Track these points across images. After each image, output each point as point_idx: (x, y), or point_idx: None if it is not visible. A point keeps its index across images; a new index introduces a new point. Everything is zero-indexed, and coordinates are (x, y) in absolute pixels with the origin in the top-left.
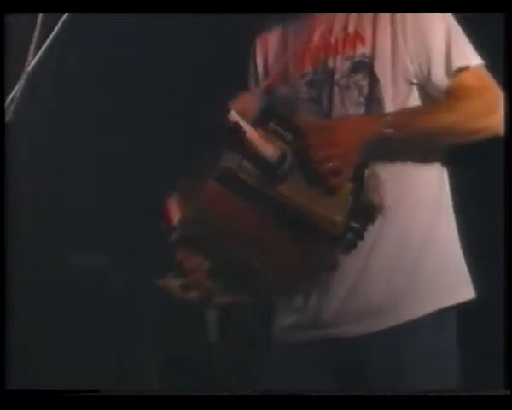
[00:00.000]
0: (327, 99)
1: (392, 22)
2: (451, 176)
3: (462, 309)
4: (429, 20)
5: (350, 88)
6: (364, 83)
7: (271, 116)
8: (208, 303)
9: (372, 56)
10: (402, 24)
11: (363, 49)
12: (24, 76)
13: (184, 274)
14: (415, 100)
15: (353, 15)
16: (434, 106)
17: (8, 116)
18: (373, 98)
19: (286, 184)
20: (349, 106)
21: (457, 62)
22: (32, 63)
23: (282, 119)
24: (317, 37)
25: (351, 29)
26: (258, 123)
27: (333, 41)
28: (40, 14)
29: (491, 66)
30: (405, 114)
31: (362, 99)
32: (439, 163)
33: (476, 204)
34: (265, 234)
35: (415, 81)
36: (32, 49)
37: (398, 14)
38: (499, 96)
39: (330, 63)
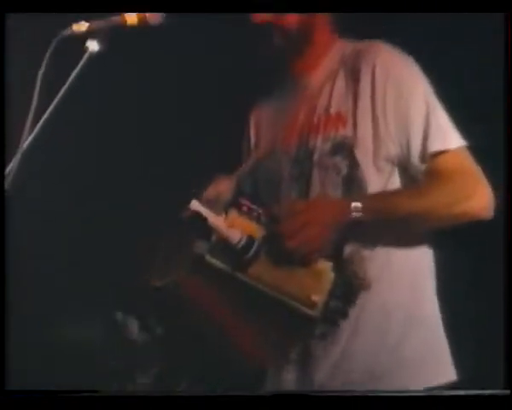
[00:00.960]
0: (306, 178)
1: (373, 104)
2: (435, 254)
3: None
4: (410, 101)
5: (329, 168)
6: (344, 164)
7: (244, 199)
8: None
9: (353, 138)
10: (382, 106)
11: (344, 131)
12: (20, 150)
13: None
14: (396, 182)
15: (336, 97)
16: (411, 190)
17: (8, 184)
18: (353, 180)
19: (257, 266)
20: (327, 186)
21: (435, 146)
22: (30, 138)
23: (255, 202)
24: (302, 115)
25: (333, 110)
26: (231, 206)
27: (315, 121)
28: (36, 90)
29: (491, 66)
30: (380, 197)
31: (340, 180)
32: (420, 242)
33: (459, 283)
34: (237, 319)
35: (396, 164)
36: (28, 123)
37: (379, 95)
38: (478, 179)
39: (312, 143)
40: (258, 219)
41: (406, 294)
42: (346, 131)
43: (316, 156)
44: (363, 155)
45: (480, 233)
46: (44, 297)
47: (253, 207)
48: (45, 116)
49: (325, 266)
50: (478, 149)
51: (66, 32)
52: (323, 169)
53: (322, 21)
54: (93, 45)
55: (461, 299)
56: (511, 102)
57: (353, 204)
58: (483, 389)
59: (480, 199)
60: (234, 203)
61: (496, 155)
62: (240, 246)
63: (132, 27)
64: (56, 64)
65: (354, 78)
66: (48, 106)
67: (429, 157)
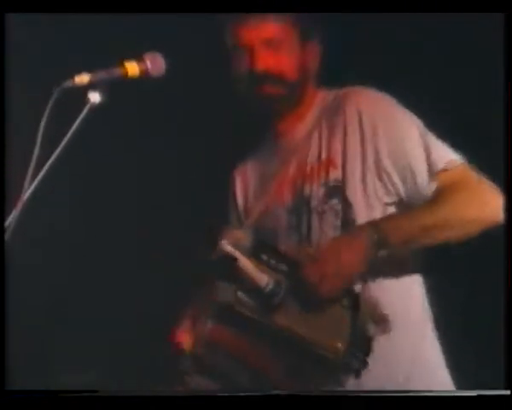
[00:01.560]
0: (306, 225)
1: (363, 145)
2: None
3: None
4: (403, 135)
5: (326, 213)
6: (339, 207)
7: (263, 249)
8: None
9: (343, 180)
10: (373, 146)
11: (335, 174)
12: (21, 201)
13: None
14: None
15: (325, 141)
16: (423, 206)
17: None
18: (348, 221)
19: (283, 313)
20: (327, 230)
21: (441, 164)
22: (30, 189)
23: (273, 251)
24: (293, 168)
25: (324, 156)
26: (250, 256)
27: (308, 169)
28: (38, 141)
29: (490, 67)
30: (394, 218)
31: (338, 222)
32: (420, 277)
33: (457, 317)
34: (265, 364)
35: (391, 198)
36: (29, 174)
37: (369, 136)
38: (487, 188)
39: (307, 191)
40: (276, 268)
41: (413, 333)
42: (337, 174)
43: (313, 203)
44: (354, 195)
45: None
46: (45, 297)
47: (271, 256)
48: (46, 167)
49: (345, 314)
50: (478, 163)
51: (68, 84)
52: (321, 214)
53: (309, 79)
54: (94, 97)
55: (461, 299)
56: (511, 101)
57: (373, 230)
58: (483, 389)
59: (494, 203)
60: (253, 251)
61: (496, 171)
62: (268, 290)
63: (133, 79)
64: (58, 115)
65: (340, 122)
66: (49, 157)
67: (437, 175)
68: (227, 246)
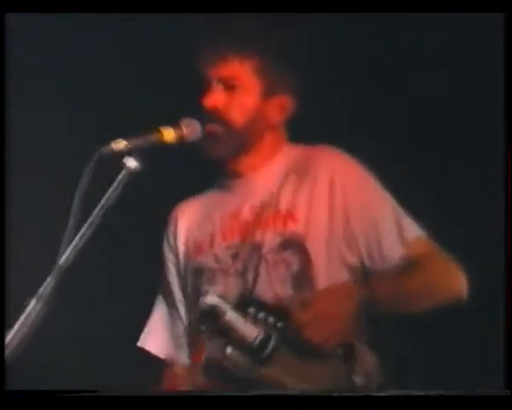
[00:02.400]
0: (252, 272)
1: (331, 208)
2: None
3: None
4: (373, 200)
5: (278, 263)
6: (294, 259)
7: (249, 302)
8: None
9: (305, 235)
10: (343, 211)
11: (294, 227)
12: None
13: None
14: (349, 277)
15: (285, 195)
16: (409, 269)
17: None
18: (303, 275)
19: (273, 365)
20: (275, 281)
21: (410, 234)
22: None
23: (261, 302)
24: (245, 210)
25: (282, 207)
26: (237, 309)
27: (263, 216)
28: (75, 206)
29: (490, 67)
30: (383, 280)
31: (289, 275)
32: None
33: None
34: None
35: (354, 261)
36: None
37: (338, 200)
38: (450, 260)
39: (259, 237)
40: (265, 320)
41: None
42: (296, 228)
43: (264, 251)
44: (316, 252)
45: None
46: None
47: (258, 308)
48: (82, 231)
49: (339, 365)
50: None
51: (105, 150)
52: (272, 264)
53: (269, 130)
54: (130, 162)
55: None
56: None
57: (364, 285)
58: (483, 389)
59: (458, 279)
60: (240, 304)
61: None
62: (258, 343)
63: (170, 144)
64: (94, 180)
65: (308, 178)
66: (85, 221)
67: (407, 243)
68: (215, 299)
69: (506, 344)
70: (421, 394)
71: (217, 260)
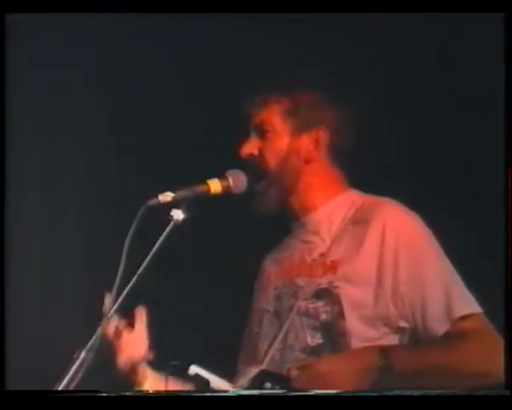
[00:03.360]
0: (286, 316)
1: (380, 264)
2: None
3: None
4: (424, 267)
5: (309, 311)
6: (324, 310)
7: (264, 377)
8: None
9: (342, 288)
10: (393, 268)
11: (332, 278)
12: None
13: None
14: (387, 339)
15: (334, 243)
16: (434, 347)
17: None
18: (335, 328)
19: None
20: (306, 329)
21: (459, 312)
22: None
23: (274, 377)
24: (296, 254)
25: (327, 258)
26: (252, 386)
27: (308, 261)
28: (123, 259)
29: (490, 67)
30: (405, 350)
31: (318, 325)
32: None
33: None
34: None
35: (400, 324)
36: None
37: (388, 257)
38: (499, 343)
39: (299, 282)
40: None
41: None
42: (334, 279)
43: (300, 297)
44: (352, 307)
45: None
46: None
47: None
48: (131, 284)
49: None
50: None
51: (152, 202)
52: (304, 311)
53: (310, 160)
54: (177, 214)
55: None
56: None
57: (378, 353)
58: (483, 389)
59: (497, 363)
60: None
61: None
62: None
63: (216, 195)
64: (142, 231)
65: (359, 232)
66: (133, 274)
67: (454, 321)
68: (195, 368)
69: (506, 344)
70: (422, 394)
71: (267, 300)
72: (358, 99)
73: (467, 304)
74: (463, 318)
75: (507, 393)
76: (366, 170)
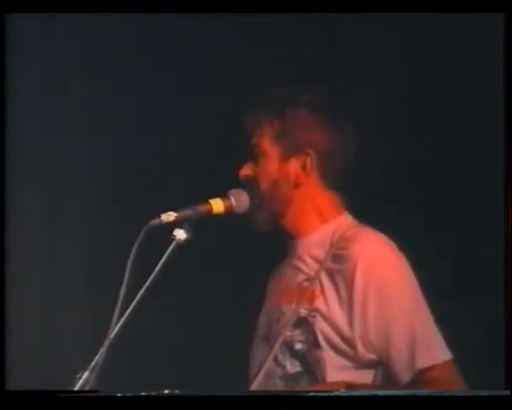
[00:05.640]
0: (274, 342)
1: (351, 297)
2: None
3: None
4: (394, 305)
5: (287, 339)
6: (300, 339)
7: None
8: None
9: (318, 318)
10: (362, 303)
11: (311, 307)
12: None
13: None
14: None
15: (315, 278)
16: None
17: None
18: (310, 357)
19: None
20: (286, 356)
21: (421, 364)
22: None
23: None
24: (286, 278)
25: (309, 287)
26: None
27: (293, 288)
28: (126, 278)
29: (490, 67)
30: (369, 386)
31: (296, 353)
32: None
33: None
34: None
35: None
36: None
37: (359, 290)
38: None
39: (283, 309)
40: None
41: None
42: (311, 309)
43: (281, 324)
44: (325, 338)
45: None
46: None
47: None
48: (134, 303)
49: None
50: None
51: (155, 222)
52: (285, 338)
53: (297, 185)
54: (180, 234)
55: (461, 299)
56: (510, 106)
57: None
58: (483, 389)
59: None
60: None
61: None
62: None
63: (218, 215)
64: (144, 251)
65: (335, 270)
66: (136, 293)
67: (416, 372)
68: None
69: (506, 344)
70: (421, 394)
71: (259, 324)
72: (351, 119)
73: (430, 355)
74: (426, 369)
75: (507, 393)
76: (361, 192)
